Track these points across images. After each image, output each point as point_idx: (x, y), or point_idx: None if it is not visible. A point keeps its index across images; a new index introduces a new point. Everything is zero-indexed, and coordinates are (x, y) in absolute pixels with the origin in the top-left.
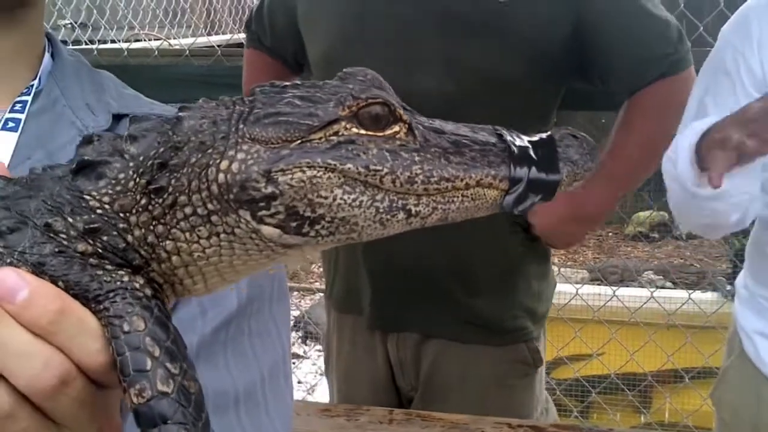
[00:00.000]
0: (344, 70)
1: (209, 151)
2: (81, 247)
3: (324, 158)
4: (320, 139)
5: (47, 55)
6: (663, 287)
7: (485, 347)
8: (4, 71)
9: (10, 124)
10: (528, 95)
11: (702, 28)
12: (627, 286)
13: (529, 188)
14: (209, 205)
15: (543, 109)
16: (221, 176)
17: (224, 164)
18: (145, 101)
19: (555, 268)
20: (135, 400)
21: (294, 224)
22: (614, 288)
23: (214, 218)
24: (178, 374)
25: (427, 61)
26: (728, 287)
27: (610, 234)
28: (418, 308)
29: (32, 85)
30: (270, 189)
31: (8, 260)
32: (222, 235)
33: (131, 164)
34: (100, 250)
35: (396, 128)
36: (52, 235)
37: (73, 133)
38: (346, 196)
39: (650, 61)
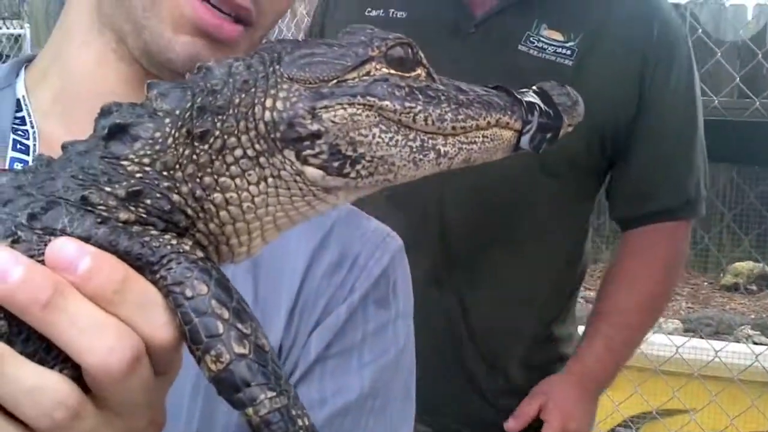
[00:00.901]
0: (348, 27)
1: (252, 90)
2: (123, 215)
3: (363, 95)
4: (354, 78)
5: None
6: (760, 343)
7: None
8: None
9: None
10: (582, 173)
11: None
12: (722, 340)
13: (539, 129)
14: (257, 146)
15: (592, 191)
16: (267, 114)
17: (269, 102)
18: None
19: None
20: (213, 367)
21: (336, 164)
22: (717, 347)
23: (262, 160)
24: (251, 334)
25: None
26: None
27: (705, 283)
28: (456, 404)
29: None
30: (315, 126)
31: (52, 240)
32: (269, 180)
33: (167, 120)
34: (143, 215)
35: (419, 71)
36: (89, 208)
37: None
38: (383, 135)
39: (667, 196)
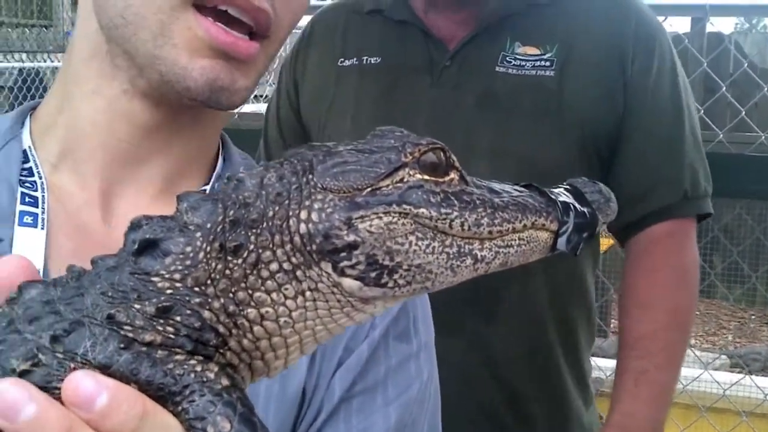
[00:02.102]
0: (377, 129)
1: (286, 202)
2: (148, 337)
3: (398, 203)
4: (388, 186)
5: (220, 159)
6: None
7: None
8: (181, 171)
9: None
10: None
11: None
12: None
13: (576, 229)
14: (293, 259)
15: None
16: (302, 226)
17: (304, 214)
18: None
19: (692, 352)
20: None
21: (374, 274)
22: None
23: (298, 273)
24: None
25: (471, 148)
26: None
27: (753, 317)
28: None
29: (204, 190)
30: (352, 237)
31: (72, 366)
32: (307, 293)
33: (198, 234)
34: (171, 336)
35: (452, 175)
36: (115, 328)
37: None
38: (420, 243)
39: (662, 194)
